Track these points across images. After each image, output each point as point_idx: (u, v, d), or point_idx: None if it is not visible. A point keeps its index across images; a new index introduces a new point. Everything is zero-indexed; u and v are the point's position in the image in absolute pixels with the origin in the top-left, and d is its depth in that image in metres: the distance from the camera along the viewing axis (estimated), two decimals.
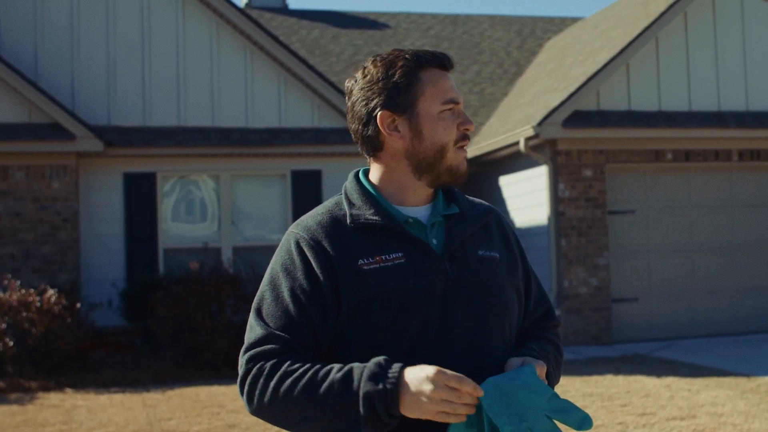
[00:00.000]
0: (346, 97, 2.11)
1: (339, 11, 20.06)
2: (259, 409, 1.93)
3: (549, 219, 12.39)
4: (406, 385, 1.81)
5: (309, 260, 1.98)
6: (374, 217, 2.00)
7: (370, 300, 1.93)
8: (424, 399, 1.79)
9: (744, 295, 12.94)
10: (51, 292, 9.89)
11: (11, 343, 9.62)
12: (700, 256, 12.88)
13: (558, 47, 17.04)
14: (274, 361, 1.91)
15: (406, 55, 2.04)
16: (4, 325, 9.63)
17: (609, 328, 12.20)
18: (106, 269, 11.82)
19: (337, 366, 1.88)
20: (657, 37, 12.61)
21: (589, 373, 9.36)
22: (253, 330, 1.98)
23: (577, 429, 1.90)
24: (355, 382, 1.82)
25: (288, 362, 1.90)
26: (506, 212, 13.96)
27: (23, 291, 9.88)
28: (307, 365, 1.89)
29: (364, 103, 2.04)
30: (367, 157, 2.10)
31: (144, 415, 7.87)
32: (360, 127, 2.06)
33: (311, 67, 12.45)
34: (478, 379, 1.86)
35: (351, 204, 2.04)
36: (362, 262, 1.96)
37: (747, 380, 8.75)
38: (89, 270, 11.78)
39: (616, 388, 8.48)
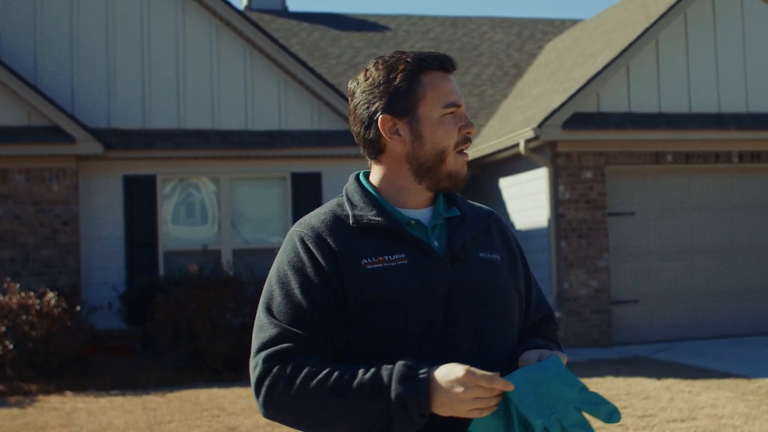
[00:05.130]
0: (349, 99, 2.12)
1: (339, 13, 20.06)
2: (277, 411, 1.90)
3: (549, 221, 12.38)
4: (437, 386, 1.81)
5: (316, 257, 1.98)
6: (377, 219, 2.01)
7: (375, 299, 1.93)
8: (455, 400, 1.80)
9: (744, 297, 12.93)
10: (51, 295, 9.88)
11: (11, 346, 9.61)
12: (701, 258, 12.87)
13: (558, 49, 17.04)
14: (295, 361, 1.89)
15: (408, 58, 2.04)
16: (3, 329, 9.63)
17: (609, 331, 12.20)
18: (106, 272, 11.82)
19: (360, 368, 1.87)
20: (657, 39, 12.61)
21: (590, 375, 9.35)
22: (265, 329, 1.95)
23: (606, 421, 1.90)
24: (386, 385, 1.82)
25: (309, 363, 1.88)
26: (506, 214, 13.95)
27: (23, 294, 9.87)
28: (330, 367, 1.88)
29: (365, 106, 2.05)
30: (369, 159, 2.12)
31: (144, 418, 7.87)
32: (362, 130, 2.07)
33: (311, 70, 12.45)
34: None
35: (353, 205, 2.05)
36: (365, 261, 1.96)
37: (747, 382, 8.74)
38: (89, 273, 11.78)
39: (617, 390, 8.47)
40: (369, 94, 2.04)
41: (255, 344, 1.96)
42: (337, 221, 2.02)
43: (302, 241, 2.00)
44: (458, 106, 2.04)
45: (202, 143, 12.13)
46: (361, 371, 1.86)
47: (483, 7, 64.86)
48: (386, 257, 1.97)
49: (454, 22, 19.92)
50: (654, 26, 12.43)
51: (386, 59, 2.06)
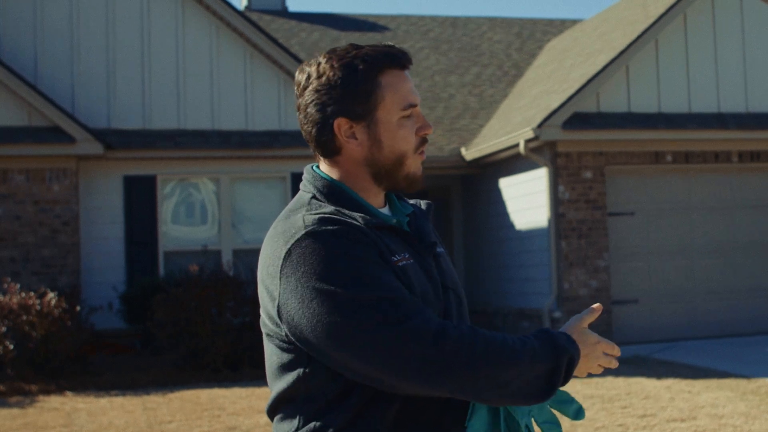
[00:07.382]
0: (296, 92, 1.99)
1: (339, 14, 20.07)
2: (463, 375, 1.77)
3: (549, 221, 12.38)
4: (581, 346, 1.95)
5: (367, 246, 1.84)
6: (375, 219, 1.93)
7: (418, 296, 1.89)
8: (591, 361, 1.98)
9: (744, 297, 12.93)
10: (51, 295, 9.89)
11: (11, 347, 9.62)
12: (700, 258, 12.88)
13: (558, 49, 17.04)
14: (469, 326, 1.83)
15: (366, 57, 1.91)
16: (4, 329, 9.63)
17: (609, 330, 12.19)
18: (106, 272, 11.82)
19: (519, 336, 1.91)
20: (656, 39, 12.62)
21: (589, 375, 9.35)
22: (378, 310, 1.76)
23: (573, 419, 2.01)
24: (556, 345, 1.87)
25: (474, 328, 1.83)
26: (506, 214, 13.96)
27: (23, 294, 9.88)
28: (492, 332, 1.87)
29: (319, 107, 1.92)
30: (322, 158, 2.00)
31: (144, 418, 7.87)
32: (314, 130, 1.95)
33: None
34: None
35: (342, 204, 1.94)
36: (395, 258, 1.89)
37: (747, 381, 8.74)
38: (89, 273, 11.78)
39: (617, 390, 8.48)
40: (324, 95, 1.91)
41: (376, 319, 1.76)
42: (347, 218, 1.89)
43: (336, 235, 1.83)
44: (415, 106, 1.96)
45: (202, 143, 12.13)
46: (520, 336, 1.89)
47: (483, 7, 64.90)
48: (402, 255, 1.91)
49: (454, 22, 19.92)
50: (653, 26, 12.43)
51: (341, 55, 1.92)
